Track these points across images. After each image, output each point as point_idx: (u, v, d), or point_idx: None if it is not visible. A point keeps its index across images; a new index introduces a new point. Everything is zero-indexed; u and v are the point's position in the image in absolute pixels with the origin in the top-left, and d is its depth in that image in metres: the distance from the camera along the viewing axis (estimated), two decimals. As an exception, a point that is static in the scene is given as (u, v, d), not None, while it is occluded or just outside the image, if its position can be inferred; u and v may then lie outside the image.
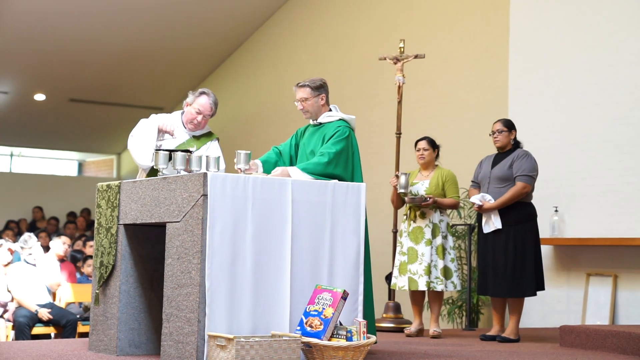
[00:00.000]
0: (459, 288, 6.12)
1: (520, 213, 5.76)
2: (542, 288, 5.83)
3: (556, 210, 7.41)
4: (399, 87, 6.90)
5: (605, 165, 7.17)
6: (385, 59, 7.03)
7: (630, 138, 7.01)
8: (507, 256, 5.71)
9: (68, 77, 12.34)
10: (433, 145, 6.24)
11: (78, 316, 7.51)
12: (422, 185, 6.15)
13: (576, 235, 7.27)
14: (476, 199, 5.81)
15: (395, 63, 6.94)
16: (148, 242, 4.56)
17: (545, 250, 7.58)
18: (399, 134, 6.95)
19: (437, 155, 6.30)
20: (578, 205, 7.34)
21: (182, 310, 4.00)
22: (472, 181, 6.06)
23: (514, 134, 5.95)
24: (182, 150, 4.39)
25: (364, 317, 4.38)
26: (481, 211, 5.82)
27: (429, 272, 5.94)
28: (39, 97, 12.95)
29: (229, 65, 12.61)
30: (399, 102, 6.93)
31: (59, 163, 16.17)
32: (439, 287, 5.97)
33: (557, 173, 7.54)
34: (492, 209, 5.75)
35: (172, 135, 4.90)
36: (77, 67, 12.06)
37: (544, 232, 7.49)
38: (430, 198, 5.99)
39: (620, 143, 7.08)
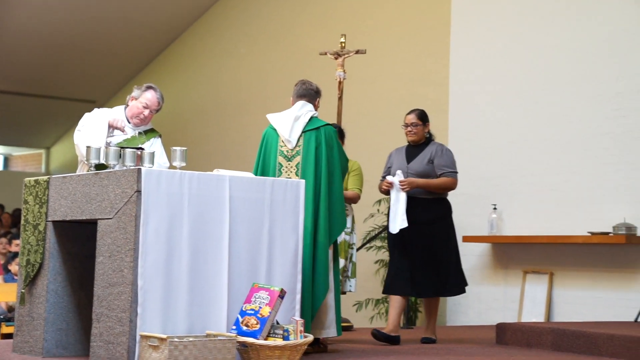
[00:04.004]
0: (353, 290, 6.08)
1: (441, 209, 5.71)
2: (466, 284, 5.86)
3: (495, 208, 7.56)
4: (340, 82, 6.93)
5: (544, 163, 7.35)
6: (326, 54, 7.06)
7: (567, 137, 7.20)
8: (432, 254, 5.62)
9: (-6, 67, 12.04)
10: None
11: (2, 317, 7.34)
12: None
13: (514, 233, 7.43)
14: (395, 179, 5.58)
15: (336, 58, 6.97)
16: (78, 239, 4.49)
17: (483, 248, 7.73)
18: (343, 133, 6.97)
19: None
20: (516, 203, 7.50)
21: (114, 309, 3.95)
22: (383, 176, 5.86)
23: (428, 126, 5.84)
24: (134, 148, 4.37)
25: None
26: (409, 188, 5.56)
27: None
28: (-37, 87, 12.61)
29: (165, 57, 12.48)
30: (340, 98, 6.97)
31: (-17, 157, 15.76)
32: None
33: (496, 171, 7.69)
34: (420, 186, 5.58)
35: (122, 131, 4.88)
36: (4, 57, 11.76)
37: (482, 229, 7.65)
38: None
39: (558, 141, 7.26)
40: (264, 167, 4.93)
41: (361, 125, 8.59)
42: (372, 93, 8.95)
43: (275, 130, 4.96)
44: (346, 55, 6.96)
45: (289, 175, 4.85)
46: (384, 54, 8.90)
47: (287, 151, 4.90)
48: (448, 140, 8.10)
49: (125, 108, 5.01)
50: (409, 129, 5.80)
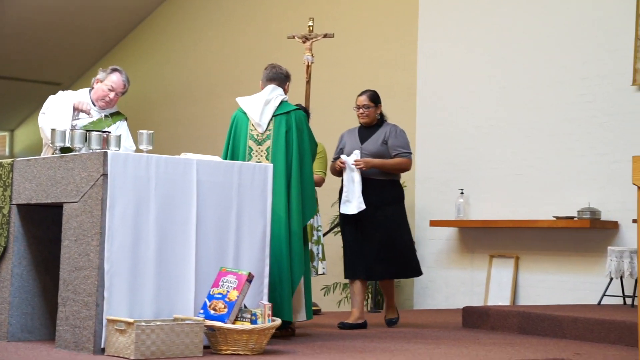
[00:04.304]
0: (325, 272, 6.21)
1: (394, 191, 5.65)
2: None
3: (462, 193, 7.63)
4: (308, 66, 6.93)
5: (510, 148, 7.42)
6: (294, 37, 7.04)
7: (533, 122, 7.28)
8: (388, 236, 5.54)
9: (-45, 47, 11.81)
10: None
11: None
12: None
13: (481, 217, 7.51)
14: (349, 159, 5.51)
15: (304, 42, 6.96)
16: (43, 223, 4.45)
17: (450, 232, 7.80)
18: (308, 115, 6.98)
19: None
20: (483, 187, 7.58)
21: (80, 293, 3.93)
22: (335, 157, 5.77)
23: (380, 108, 5.71)
24: (100, 131, 4.34)
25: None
26: (365, 168, 5.49)
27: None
28: None
29: (133, 40, 12.34)
30: (308, 82, 6.96)
31: (-55, 139, 15.48)
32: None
33: (463, 156, 7.75)
34: (376, 166, 5.52)
35: (88, 114, 4.83)
36: (-34, 37, 11.56)
37: (449, 214, 7.72)
38: None
39: (525, 127, 7.34)
40: (234, 151, 4.93)
41: (329, 109, 8.59)
42: (340, 77, 8.95)
43: (245, 113, 4.95)
44: (314, 39, 6.95)
45: (259, 159, 4.85)
46: (352, 38, 8.90)
47: (258, 135, 4.90)
48: (416, 124, 8.14)
49: (91, 91, 4.98)
50: (361, 110, 5.69)
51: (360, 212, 5.50)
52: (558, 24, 7.20)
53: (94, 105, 4.93)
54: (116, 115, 5.01)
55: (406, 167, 5.67)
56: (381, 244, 5.56)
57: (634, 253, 5.86)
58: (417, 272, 5.77)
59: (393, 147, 5.61)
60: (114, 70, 4.94)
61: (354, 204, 5.51)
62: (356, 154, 5.57)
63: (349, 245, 5.66)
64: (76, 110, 4.82)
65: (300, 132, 4.92)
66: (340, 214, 5.67)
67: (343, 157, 5.61)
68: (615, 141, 6.71)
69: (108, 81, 4.90)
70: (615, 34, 6.80)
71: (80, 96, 4.92)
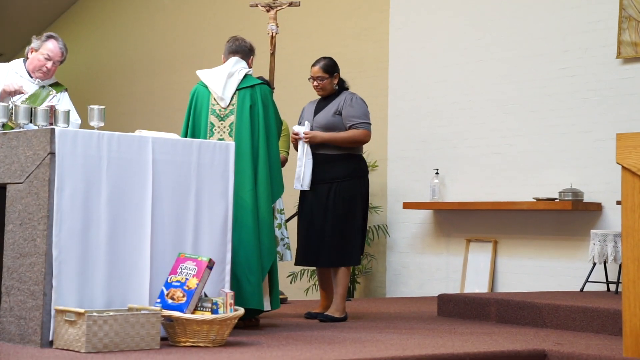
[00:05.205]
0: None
1: (350, 166, 5.38)
2: (362, 254, 5.58)
3: (437, 173, 7.66)
4: (272, 37, 6.89)
5: (488, 125, 7.46)
6: (257, 6, 7.00)
7: (512, 98, 7.32)
8: (340, 218, 5.29)
9: None
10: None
11: None
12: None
13: (457, 199, 7.55)
14: (301, 129, 5.35)
15: (268, 11, 6.92)
16: (-16, 206, 4.39)
17: (425, 215, 7.84)
18: (272, 88, 6.94)
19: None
20: (459, 167, 7.62)
21: (25, 282, 3.89)
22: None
23: (337, 77, 5.52)
24: (47, 106, 4.31)
25: None
26: (311, 142, 5.32)
27: None
28: None
29: (81, 7, 12.16)
30: (272, 54, 6.93)
31: None
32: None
33: (438, 133, 7.78)
34: (326, 140, 5.32)
35: (22, 92, 4.75)
36: None
37: (424, 195, 7.75)
38: None
39: (503, 102, 7.37)
40: (195, 127, 4.90)
41: (295, 83, 8.56)
42: (306, 49, 8.91)
43: (206, 87, 4.93)
44: (279, 8, 6.91)
45: (221, 135, 4.83)
46: (319, 7, 8.86)
47: (220, 110, 4.88)
48: (388, 100, 8.15)
49: (25, 61, 4.88)
50: (315, 83, 5.53)
51: (314, 190, 5.34)
52: (539, -7, 7.24)
53: (30, 77, 4.84)
54: (56, 87, 4.93)
55: (362, 139, 5.41)
56: (327, 228, 5.32)
57: (618, 237, 5.93)
58: (355, 261, 5.44)
59: (347, 117, 5.39)
60: (49, 37, 4.85)
61: (300, 179, 5.33)
62: (307, 126, 5.42)
63: (298, 228, 5.50)
64: (7, 95, 4.68)
65: (265, 107, 4.91)
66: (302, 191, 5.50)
67: (295, 127, 5.46)
68: (599, 118, 6.78)
69: (44, 49, 4.82)
70: (599, 3, 6.84)
71: (8, 71, 4.79)
